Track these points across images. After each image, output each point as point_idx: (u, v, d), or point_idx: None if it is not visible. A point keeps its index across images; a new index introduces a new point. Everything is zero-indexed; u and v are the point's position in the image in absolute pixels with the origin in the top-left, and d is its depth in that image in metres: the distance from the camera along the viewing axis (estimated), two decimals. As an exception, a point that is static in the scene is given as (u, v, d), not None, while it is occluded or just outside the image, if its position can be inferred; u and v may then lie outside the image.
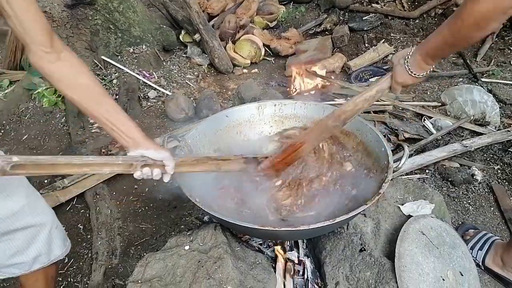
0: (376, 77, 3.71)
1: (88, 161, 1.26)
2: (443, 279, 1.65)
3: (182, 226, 2.42)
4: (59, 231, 1.67)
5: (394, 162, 1.73)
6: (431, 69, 1.44)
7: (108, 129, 1.33)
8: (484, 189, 2.45)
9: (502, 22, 1.18)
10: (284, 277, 1.76)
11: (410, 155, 2.58)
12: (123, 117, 1.34)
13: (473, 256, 1.96)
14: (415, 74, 1.43)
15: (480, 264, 1.97)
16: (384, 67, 3.85)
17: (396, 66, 1.49)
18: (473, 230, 2.11)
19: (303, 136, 1.85)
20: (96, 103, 1.30)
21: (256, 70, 4.28)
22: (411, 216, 1.85)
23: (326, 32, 4.65)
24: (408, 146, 1.80)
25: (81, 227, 2.51)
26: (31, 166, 1.14)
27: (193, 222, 2.42)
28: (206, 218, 2.30)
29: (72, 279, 2.20)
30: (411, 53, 1.42)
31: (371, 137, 1.97)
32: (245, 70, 4.26)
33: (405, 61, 1.43)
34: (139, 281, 1.54)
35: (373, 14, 4.66)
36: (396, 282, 1.60)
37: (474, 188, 2.45)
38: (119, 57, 3.96)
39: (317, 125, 1.84)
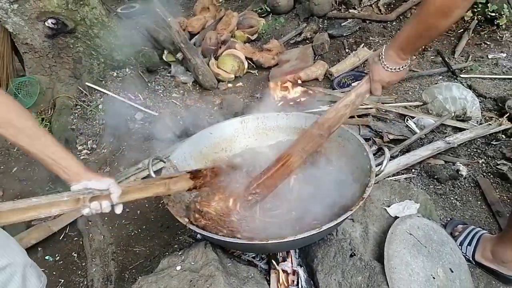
0: (358, 81, 3.75)
1: (33, 204, 1.21)
2: (434, 277, 1.68)
3: (176, 246, 2.43)
4: (33, 269, 1.62)
5: (376, 166, 1.77)
6: (407, 64, 1.48)
7: (47, 164, 1.28)
8: (470, 184, 2.48)
9: (466, 8, 1.22)
10: (279, 288, 1.78)
11: (395, 156, 2.62)
12: (61, 150, 1.31)
13: (462, 252, 1.98)
14: (391, 69, 1.47)
15: (470, 259, 2.00)
16: (365, 71, 3.90)
17: (372, 65, 1.53)
18: (461, 226, 2.13)
19: (289, 149, 1.88)
20: (31, 139, 1.26)
21: (240, 83, 4.32)
22: (398, 217, 1.87)
23: (307, 41, 4.70)
24: (388, 149, 1.83)
25: (75, 255, 2.51)
26: None
27: (186, 240, 2.43)
28: (199, 236, 2.31)
29: (69, 308, 2.20)
30: (384, 50, 1.46)
31: (353, 142, 2.00)
32: (229, 85, 4.30)
33: (380, 58, 1.47)
34: (133, 305, 1.55)
35: (351, 20, 4.72)
36: (387, 284, 1.62)
37: (460, 184, 2.48)
38: (103, 82, 3.98)
39: (302, 136, 1.87)
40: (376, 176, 1.73)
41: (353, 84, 3.73)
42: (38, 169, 3.27)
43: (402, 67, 1.48)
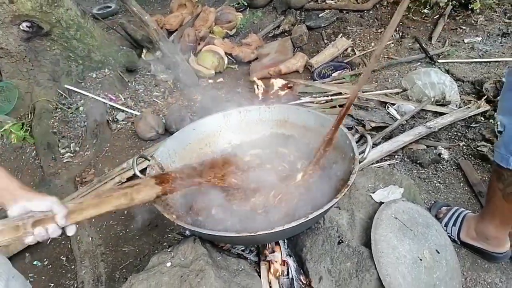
0: (338, 71, 3.79)
1: None
2: (420, 259, 1.71)
3: (165, 243, 2.42)
4: (16, 279, 1.57)
5: (360, 154, 1.79)
6: None
7: None
8: (452, 167, 2.53)
9: None
10: (269, 279, 1.80)
11: (378, 143, 2.66)
12: None
13: (448, 233, 2.03)
14: None
15: (456, 239, 2.04)
16: (344, 61, 3.94)
17: None
18: (445, 208, 2.18)
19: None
20: None
21: (221, 79, 4.31)
22: (383, 202, 1.90)
23: (285, 34, 4.72)
24: (371, 136, 1.86)
25: (64, 258, 2.49)
26: None
27: (175, 237, 2.43)
28: (187, 232, 2.31)
29: (60, 312, 2.19)
30: None
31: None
32: (210, 81, 4.29)
33: None
34: (125, 304, 1.55)
35: (328, 11, 4.74)
36: (376, 268, 1.65)
37: (443, 167, 2.53)
38: (82, 83, 3.94)
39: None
40: (359, 163, 1.75)
41: (333, 74, 3.76)
42: (21, 174, 3.23)
43: None
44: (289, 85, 3.53)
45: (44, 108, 3.68)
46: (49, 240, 2.61)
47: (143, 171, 2.14)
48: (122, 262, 2.37)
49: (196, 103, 3.95)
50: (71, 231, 1.26)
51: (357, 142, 2.02)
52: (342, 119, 1.79)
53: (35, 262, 2.48)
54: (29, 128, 3.62)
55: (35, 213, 1.15)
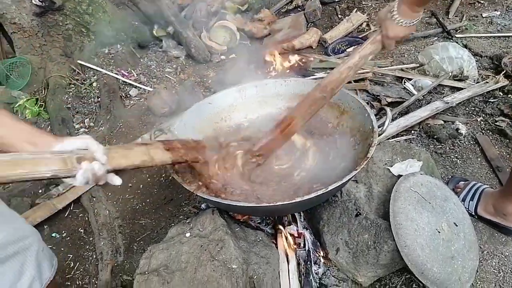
0: (353, 47, 3.74)
1: (17, 157, 1.00)
2: (439, 231, 1.71)
3: (181, 217, 2.45)
4: (45, 252, 1.60)
5: (378, 127, 1.78)
6: (420, 17, 1.47)
7: (4, 143, 1.07)
8: (469, 142, 2.51)
9: None
10: (286, 251, 1.81)
11: (394, 118, 2.63)
12: (20, 124, 1.11)
13: (465, 207, 2.02)
14: (405, 23, 1.46)
15: (473, 213, 2.04)
16: (359, 36, 3.88)
17: (385, 21, 1.51)
18: (463, 182, 2.17)
19: (293, 111, 1.87)
20: (20, 131, 1.09)
21: (233, 55, 4.28)
22: (401, 175, 1.90)
23: (298, 9, 4.65)
24: (390, 109, 1.84)
25: (82, 230, 2.53)
26: None
27: (191, 211, 2.45)
28: (203, 205, 2.33)
29: (80, 282, 2.23)
30: (396, 6, 1.45)
31: (354, 105, 2.00)
32: (223, 57, 4.26)
33: (392, 14, 1.46)
34: (146, 272, 1.57)
35: (342, -15, 4.65)
36: (394, 240, 1.65)
37: (460, 142, 2.51)
38: (95, 59, 3.93)
39: (305, 98, 1.86)
40: (378, 136, 1.74)
41: (347, 50, 3.71)
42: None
43: (416, 20, 1.47)
44: (303, 60, 3.49)
45: (58, 84, 3.69)
46: (67, 213, 2.65)
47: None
48: (139, 234, 2.40)
49: (208, 79, 3.93)
50: (117, 180, 1.22)
51: (375, 116, 2.00)
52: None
53: (53, 234, 2.52)
54: (43, 104, 3.63)
55: (74, 150, 1.10)
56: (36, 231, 1.55)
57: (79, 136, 1.16)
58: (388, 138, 2.51)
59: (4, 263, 1.36)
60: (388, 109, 1.78)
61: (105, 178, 1.18)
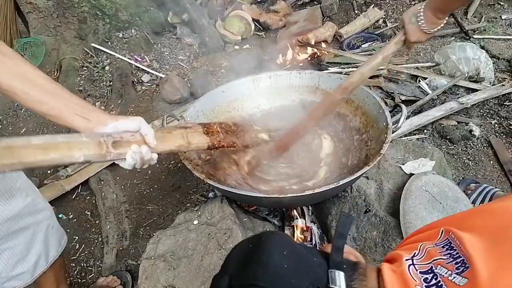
0: (368, 43, 3.70)
1: (50, 141, 0.97)
2: (448, 232, 1.69)
3: (188, 204, 2.45)
4: (55, 229, 1.62)
5: (392, 124, 1.76)
6: (443, 23, 1.46)
7: (60, 114, 1.05)
8: (482, 144, 2.48)
9: None
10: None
11: (408, 117, 2.60)
12: (80, 100, 1.11)
13: (475, 209, 2.00)
14: (428, 30, 1.45)
15: (483, 216, 2.01)
16: (375, 32, 3.83)
17: (408, 25, 1.50)
18: (474, 184, 2.14)
19: (310, 115, 1.85)
20: (45, 91, 1.05)
21: (247, 45, 4.25)
22: (413, 174, 1.88)
23: (315, 2, 4.60)
24: (405, 106, 1.81)
25: (89, 213, 2.54)
26: None
27: (199, 199, 2.45)
28: (211, 194, 2.33)
29: (84, 264, 2.24)
30: (422, 11, 1.43)
31: (368, 100, 1.98)
32: (236, 47, 4.24)
33: (417, 19, 1.45)
34: (153, 257, 1.57)
35: (360, -20, 4.60)
36: (403, 238, 1.64)
37: (473, 144, 2.48)
38: (109, 43, 3.93)
39: (324, 101, 1.84)
40: (392, 133, 1.72)
41: (363, 46, 3.67)
42: (47, 130, 3.27)
43: (439, 27, 1.46)
44: (317, 54, 3.46)
45: (71, 66, 3.70)
46: (75, 195, 2.66)
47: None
48: (146, 220, 2.40)
49: (221, 68, 3.92)
50: (154, 159, 1.21)
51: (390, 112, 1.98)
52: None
53: (60, 216, 2.53)
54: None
55: (117, 134, 1.09)
56: (50, 206, 1.57)
57: (132, 116, 1.16)
58: (401, 136, 2.48)
59: (17, 235, 1.39)
60: (403, 106, 1.76)
61: (151, 161, 1.19)
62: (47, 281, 1.64)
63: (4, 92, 1.01)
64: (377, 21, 4.00)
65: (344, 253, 0.81)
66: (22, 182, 1.42)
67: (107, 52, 3.82)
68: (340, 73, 3.19)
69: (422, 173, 1.86)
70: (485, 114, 2.67)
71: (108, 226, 2.35)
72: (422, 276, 0.70)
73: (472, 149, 2.45)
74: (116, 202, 2.52)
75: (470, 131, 2.50)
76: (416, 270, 0.72)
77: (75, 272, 2.20)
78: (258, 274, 0.71)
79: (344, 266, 0.76)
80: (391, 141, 2.22)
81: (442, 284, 0.67)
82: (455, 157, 2.42)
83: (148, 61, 3.94)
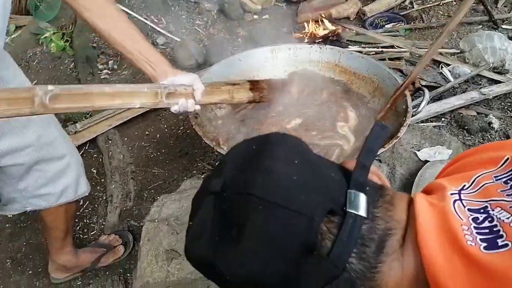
0: (392, 23, 3.59)
1: (118, 90, 1.22)
2: (458, 224, 1.66)
3: (194, 171, 2.42)
4: (83, 169, 1.72)
5: (412, 108, 1.70)
6: None
7: (135, 59, 1.29)
8: (500, 137, 2.42)
9: None
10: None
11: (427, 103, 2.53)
12: (150, 46, 1.33)
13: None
14: None
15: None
16: (401, 13, 3.71)
17: None
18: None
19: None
20: (125, 34, 1.27)
21: (267, 16, 4.14)
22: (428, 161, 1.83)
23: (340, -23, 4.45)
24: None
25: (95, 171, 2.53)
26: (67, 98, 1.09)
27: (205, 167, 2.43)
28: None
29: (87, 220, 2.24)
30: None
31: (389, 82, 1.91)
32: (255, 16, 4.12)
33: None
34: (156, 220, 1.56)
35: (390, -42, 4.43)
36: (411, 225, 1.61)
37: (491, 136, 2.42)
38: (126, 1, 3.84)
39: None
40: (412, 116, 1.66)
41: (386, 26, 3.56)
42: (58, 84, 3.23)
43: None
44: (338, 31, 3.36)
45: (86, 21, 3.62)
46: (82, 151, 2.64)
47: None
48: (151, 183, 2.39)
49: (238, 37, 3.83)
50: (197, 107, 1.40)
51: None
52: (399, 97, 1.70)
53: (66, 170, 2.52)
54: (69, 40, 3.58)
55: (170, 85, 1.29)
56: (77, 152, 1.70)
57: (189, 73, 1.39)
58: (417, 122, 2.42)
59: (51, 162, 1.51)
60: (426, 90, 1.70)
61: (194, 111, 1.40)
62: (56, 224, 1.73)
63: (93, 31, 1.31)
64: (404, 1, 3.86)
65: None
66: (53, 119, 1.52)
67: (124, 10, 3.74)
68: (361, 52, 3.11)
69: (437, 161, 1.81)
70: (506, 107, 2.60)
71: (113, 186, 2.34)
72: (471, 215, 0.56)
73: (490, 142, 2.39)
74: (122, 163, 2.50)
75: (489, 123, 2.44)
76: (464, 207, 0.57)
77: (78, 228, 2.20)
78: (257, 181, 0.56)
79: (367, 189, 0.59)
80: (407, 126, 2.17)
81: (499, 229, 0.52)
82: (471, 148, 2.36)
83: (165, 23, 3.86)
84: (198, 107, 1.40)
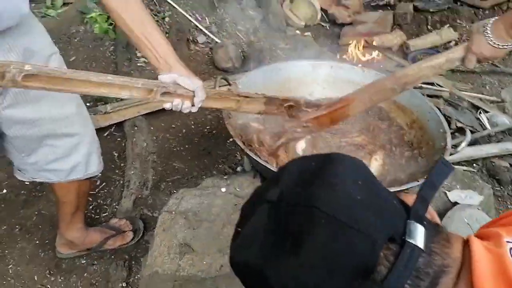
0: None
1: (107, 80, 1.13)
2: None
3: (214, 172, 2.40)
4: (97, 149, 1.71)
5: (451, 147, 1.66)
6: None
7: (141, 45, 1.24)
8: (531, 194, 2.34)
9: None
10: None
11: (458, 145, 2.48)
12: (160, 37, 1.27)
13: None
14: (495, 44, 1.30)
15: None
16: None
17: (475, 34, 1.36)
18: None
19: (355, 93, 1.74)
20: (135, 17, 1.22)
21: (309, 33, 4.13)
22: (457, 204, 1.77)
23: (388, 7, 4.44)
24: (453, 138, 1.71)
25: (116, 154, 2.52)
26: (45, 79, 1.03)
27: (226, 170, 2.40)
28: (239, 168, 2.28)
29: (102, 201, 2.23)
30: (492, 22, 1.30)
31: (430, 116, 1.87)
32: (297, 31, 4.12)
33: (485, 29, 1.31)
34: (173, 212, 1.53)
35: (441, -3, 4.41)
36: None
37: (521, 191, 2.34)
38: (174, -5, 3.88)
39: (372, 84, 1.72)
40: (450, 155, 1.62)
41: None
42: (95, 64, 3.28)
43: (508, 45, 1.31)
44: (380, 59, 3.33)
45: (132, 8, 3.67)
46: (107, 133, 2.64)
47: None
48: (170, 176, 2.37)
49: (277, 48, 3.82)
50: (195, 109, 1.32)
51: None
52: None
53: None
54: (113, 23, 3.62)
55: (170, 86, 1.22)
56: (94, 127, 1.69)
57: (194, 78, 1.28)
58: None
59: (62, 138, 1.49)
60: (468, 131, 1.66)
61: (188, 111, 1.32)
62: (69, 199, 1.73)
63: (105, 10, 1.24)
64: (449, 41, 3.82)
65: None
66: (75, 94, 1.48)
67: (171, 4, 3.77)
68: (399, 84, 3.06)
69: (466, 205, 1.75)
70: (541, 165, 2.52)
71: (132, 172, 2.33)
72: None
73: (519, 196, 2.32)
74: (144, 151, 2.49)
75: (522, 177, 2.36)
76: None
77: (91, 207, 2.19)
78: (321, 196, 0.55)
79: (425, 223, 0.58)
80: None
81: None
82: (500, 199, 2.29)
83: (208, 23, 3.88)
84: (194, 110, 1.33)
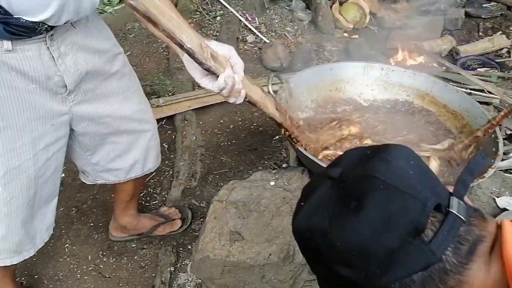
0: (485, 68, 3.47)
1: (169, 14, 0.96)
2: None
3: (260, 168, 2.46)
4: (156, 144, 1.77)
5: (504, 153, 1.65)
6: None
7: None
8: None
9: None
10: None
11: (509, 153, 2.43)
12: (185, 25, 1.05)
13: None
14: None
15: None
16: (496, 60, 3.58)
17: None
18: None
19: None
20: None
21: (356, 36, 4.13)
22: (506, 210, 1.76)
23: (439, 13, 4.37)
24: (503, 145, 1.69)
25: (166, 146, 2.63)
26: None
27: (271, 166, 2.45)
28: (284, 165, 2.32)
29: (152, 190, 2.34)
30: None
31: (481, 121, 1.86)
32: (345, 34, 4.13)
33: None
34: (224, 201, 1.59)
35: (494, 3, 4.29)
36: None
37: None
38: (226, -6, 3.99)
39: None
40: (501, 161, 1.61)
41: (478, 69, 3.45)
42: (148, 59, 3.42)
43: None
44: (428, 64, 3.29)
45: (185, 7, 3.80)
46: (158, 126, 2.75)
47: (274, 92, 2.14)
48: (217, 169, 2.45)
49: (325, 50, 3.85)
50: (240, 100, 1.16)
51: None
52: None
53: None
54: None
55: (217, 52, 1.07)
56: (155, 121, 1.73)
57: (224, 44, 1.14)
58: (499, 170, 2.32)
59: (122, 135, 1.55)
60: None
61: (239, 98, 1.14)
62: (126, 188, 1.82)
63: None
64: (501, 49, 3.73)
65: None
66: (137, 88, 1.51)
67: (222, 3, 3.88)
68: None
69: (515, 212, 1.73)
70: None
71: (181, 163, 2.43)
72: None
73: None
74: (193, 144, 2.59)
75: None
76: None
77: (142, 195, 2.30)
78: (381, 168, 0.65)
79: (465, 202, 0.68)
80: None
81: None
82: (550, 210, 2.22)
83: (257, 23, 3.97)
84: (243, 92, 1.14)
